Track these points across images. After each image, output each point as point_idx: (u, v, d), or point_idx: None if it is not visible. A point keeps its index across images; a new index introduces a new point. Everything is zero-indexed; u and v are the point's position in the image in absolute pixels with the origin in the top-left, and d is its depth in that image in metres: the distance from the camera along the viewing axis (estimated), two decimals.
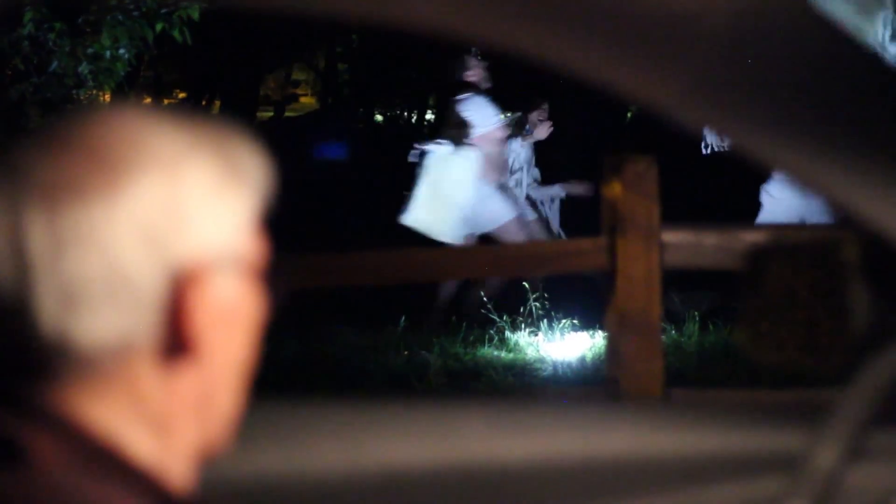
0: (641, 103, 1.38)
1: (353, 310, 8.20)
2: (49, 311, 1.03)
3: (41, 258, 1.03)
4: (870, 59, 1.45)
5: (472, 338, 7.53)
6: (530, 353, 7.34)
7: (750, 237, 3.81)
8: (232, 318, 1.12)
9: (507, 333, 7.59)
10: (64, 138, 1.08)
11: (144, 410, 1.09)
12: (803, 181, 1.44)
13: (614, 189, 4.07)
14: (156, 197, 1.06)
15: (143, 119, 1.11)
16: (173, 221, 1.07)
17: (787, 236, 1.44)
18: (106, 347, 1.05)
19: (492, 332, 7.59)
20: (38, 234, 1.03)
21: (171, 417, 1.11)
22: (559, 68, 1.34)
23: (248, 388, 1.20)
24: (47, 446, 1.03)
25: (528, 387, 6.60)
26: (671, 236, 4.04)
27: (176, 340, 1.08)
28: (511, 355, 7.27)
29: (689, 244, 4.02)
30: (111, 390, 1.07)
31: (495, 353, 7.31)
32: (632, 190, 4.05)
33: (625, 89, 1.39)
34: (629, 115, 10.38)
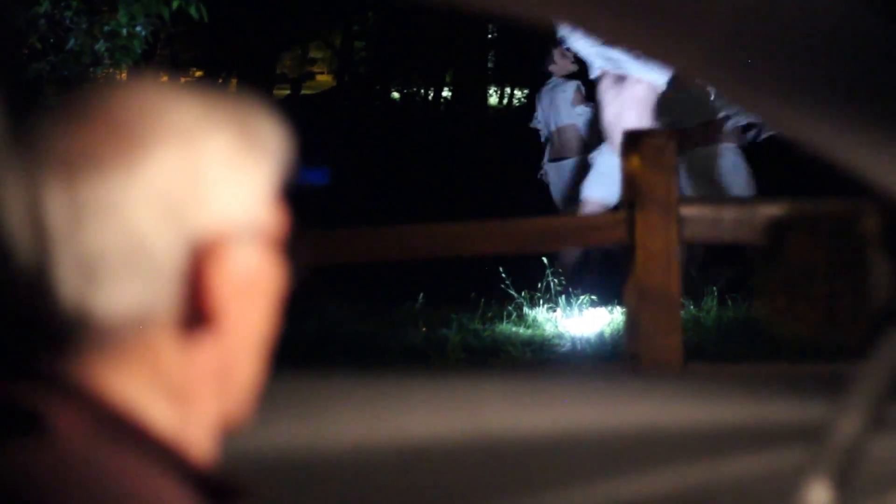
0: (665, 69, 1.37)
1: (370, 286, 8.21)
2: (69, 282, 1.03)
3: (60, 230, 1.03)
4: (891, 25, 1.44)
5: (490, 314, 7.52)
6: (549, 328, 7.33)
7: (769, 210, 3.80)
8: (251, 289, 1.12)
9: (526, 309, 7.58)
10: (83, 111, 1.08)
11: (164, 381, 1.09)
12: (824, 150, 1.43)
13: (633, 163, 4.07)
14: (175, 168, 1.06)
15: (162, 91, 1.11)
16: (192, 192, 1.07)
17: (807, 209, 1.43)
18: (125, 318, 1.05)
19: (510, 308, 7.58)
20: (57, 207, 1.03)
21: (190, 388, 1.11)
22: (583, 33, 1.33)
23: (268, 361, 1.20)
24: (68, 417, 1.03)
25: (546, 362, 6.60)
26: (690, 210, 4.03)
27: (195, 311, 1.08)
28: (529, 331, 7.26)
29: (707, 218, 4.01)
30: (131, 361, 1.07)
31: (514, 329, 7.30)
32: (651, 164, 4.04)
33: (648, 56, 1.38)
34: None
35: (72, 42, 7.09)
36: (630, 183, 4.10)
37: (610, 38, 1.38)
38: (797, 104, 1.40)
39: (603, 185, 8.41)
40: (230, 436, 1.19)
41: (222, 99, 1.14)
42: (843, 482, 1.27)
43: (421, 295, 7.77)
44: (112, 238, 1.03)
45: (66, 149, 1.05)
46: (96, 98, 1.09)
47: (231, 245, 1.09)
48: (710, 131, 8.60)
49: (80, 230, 1.03)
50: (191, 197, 1.06)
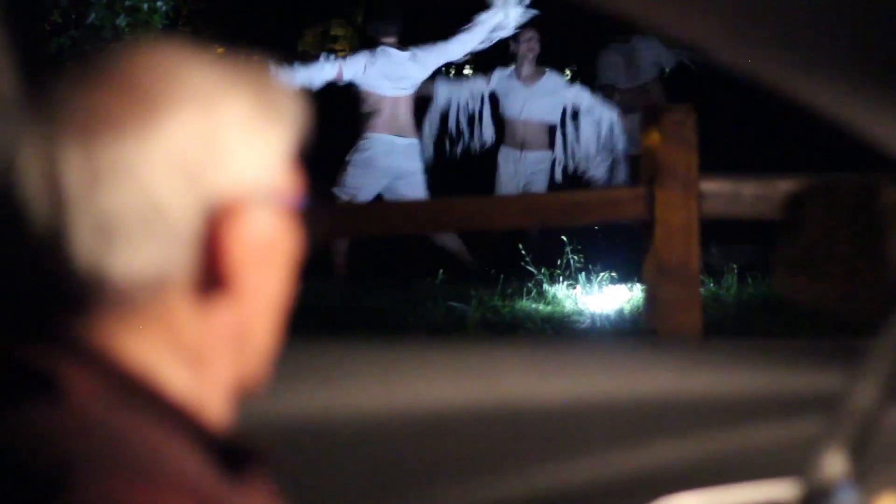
0: (680, 41, 1.37)
1: (389, 262, 8.21)
2: (85, 245, 1.03)
3: (77, 192, 1.03)
4: None
5: (510, 290, 7.52)
6: (568, 305, 7.33)
7: (788, 185, 3.79)
8: (267, 253, 1.12)
9: (546, 286, 7.58)
10: (100, 74, 1.07)
11: (180, 345, 1.09)
12: (843, 122, 1.42)
13: (653, 138, 4.05)
14: (192, 131, 1.06)
15: (179, 55, 1.11)
16: (209, 156, 1.07)
17: (827, 183, 1.42)
18: (141, 281, 1.05)
19: (530, 284, 7.58)
20: (74, 168, 1.03)
21: (206, 352, 1.11)
22: (602, 7, 1.33)
23: (284, 326, 1.20)
24: (83, 380, 1.03)
25: (566, 339, 6.60)
26: (710, 185, 4.02)
27: (211, 275, 1.08)
28: (549, 308, 7.26)
29: (727, 193, 4.00)
30: (147, 324, 1.07)
31: (533, 305, 7.30)
32: (670, 139, 4.03)
33: (663, 27, 1.38)
34: (667, 70, 10.31)
35: (92, 16, 7.09)
36: (650, 158, 4.08)
37: (623, 10, 1.37)
38: (818, 74, 1.39)
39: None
40: (246, 400, 1.19)
41: (239, 64, 1.14)
42: (859, 452, 1.27)
43: (441, 271, 7.78)
44: (129, 200, 1.03)
45: (84, 111, 1.05)
46: (113, 61, 1.09)
47: (247, 209, 1.09)
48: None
49: (96, 192, 1.03)
50: (208, 160, 1.06)
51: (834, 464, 1.28)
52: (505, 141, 8.97)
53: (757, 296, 7.14)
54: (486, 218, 4.29)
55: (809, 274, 1.49)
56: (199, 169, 1.06)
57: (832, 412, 1.35)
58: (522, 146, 8.87)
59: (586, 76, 10.06)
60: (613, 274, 7.70)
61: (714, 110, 8.72)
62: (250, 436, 1.13)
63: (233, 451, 1.10)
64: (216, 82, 1.10)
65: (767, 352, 1.93)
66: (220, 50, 1.15)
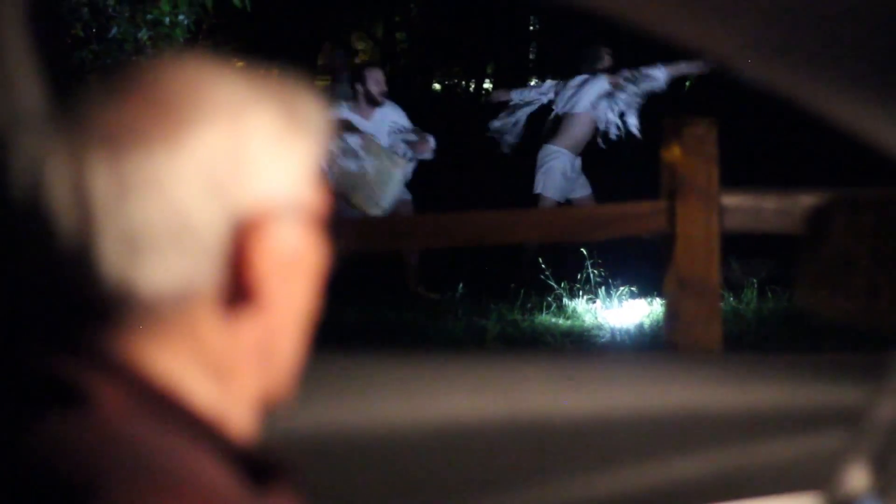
0: (703, 57, 1.37)
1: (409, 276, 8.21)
2: (112, 257, 1.04)
3: (105, 205, 1.03)
4: None
5: (529, 304, 7.52)
6: (588, 319, 7.33)
7: (810, 200, 3.78)
8: (293, 266, 1.13)
9: (565, 300, 7.58)
10: (128, 87, 1.08)
11: (206, 357, 1.10)
12: (867, 138, 1.42)
13: (674, 152, 4.05)
14: (218, 144, 1.06)
15: (206, 68, 1.12)
16: (236, 169, 1.07)
17: (848, 197, 1.42)
18: (168, 294, 1.06)
19: (550, 298, 7.58)
20: (101, 182, 1.03)
21: (232, 365, 1.11)
22: (624, 22, 1.33)
23: (309, 339, 1.20)
24: (110, 392, 1.04)
25: (586, 353, 6.59)
26: (731, 199, 4.01)
27: (237, 288, 1.08)
28: (569, 322, 7.26)
29: (748, 207, 3.99)
30: (173, 337, 1.08)
31: (553, 319, 7.30)
32: (691, 153, 4.02)
33: (686, 42, 1.38)
34: (688, 83, 10.30)
35: (114, 30, 7.10)
36: (670, 172, 4.08)
37: (649, 22, 1.37)
38: (837, 90, 1.39)
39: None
40: (271, 414, 1.20)
41: (266, 78, 1.15)
42: (882, 466, 1.26)
43: (461, 285, 7.78)
44: (156, 214, 1.04)
45: (111, 125, 1.05)
46: (141, 75, 1.10)
47: (273, 222, 1.09)
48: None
49: (124, 205, 1.03)
50: (234, 173, 1.07)
51: (856, 478, 1.28)
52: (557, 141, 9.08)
53: (777, 310, 7.12)
54: (505, 231, 4.28)
55: (831, 288, 1.49)
56: (226, 182, 1.06)
57: (854, 426, 1.35)
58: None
59: None
60: (633, 288, 7.69)
61: (735, 124, 8.69)
62: (274, 449, 1.13)
63: (257, 463, 1.10)
64: (243, 96, 1.10)
65: (788, 366, 1.93)
66: (240, 64, 1.15)
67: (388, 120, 8.60)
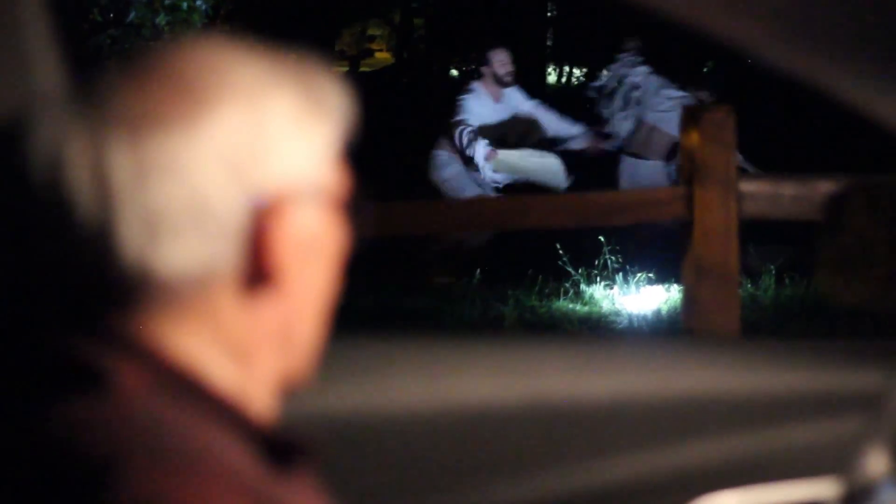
0: (726, 42, 1.37)
1: (426, 262, 8.21)
2: (132, 239, 1.04)
3: (124, 187, 1.03)
4: None
5: (547, 290, 7.51)
6: (606, 305, 7.32)
7: (828, 186, 3.78)
8: (313, 248, 1.13)
9: (583, 286, 7.57)
10: (147, 70, 1.08)
11: (226, 339, 1.10)
12: (887, 123, 1.42)
13: (693, 139, 4.05)
14: (238, 127, 1.07)
15: (225, 51, 1.12)
16: (255, 151, 1.07)
17: (866, 183, 1.42)
18: (188, 276, 1.06)
19: (567, 285, 7.57)
20: (121, 164, 1.04)
21: (251, 347, 1.12)
22: (644, 8, 1.33)
23: (328, 322, 1.20)
24: (130, 374, 1.04)
25: (603, 338, 6.58)
26: (749, 186, 4.01)
27: (257, 270, 1.08)
28: (586, 308, 7.25)
29: (767, 194, 3.99)
30: (193, 319, 1.08)
31: (570, 306, 7.29)
32: (710, 139, 4.02)
33: (708, 27, 1.38)
34: (706, 69, 10.30)
35: (132, 15, 7.11)
36: (689, 158, 4.08)
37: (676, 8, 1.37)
38: (858, 75, 1.39)
39: None
40: (290, 396, 1.20)
41: (285, 60, 1.15)
42: None
43: (478, 271, 7.77)
44: (175, 196, 1.04)
45: (131, 107, 1.05)
46: (160, 57, 1.10)
47: (293, 204, 1.09)
48: None
49: (143, 188, 1.03)
50: (254, 155, 1.07)
51: (875, 463, 1.27)
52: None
53: (795, 296, 7.10)
54: (529, 217, 4.29)
55: (849, 274, 1.49)
56: (245, 164, 1.06)
57: (873, 412, 1.35)
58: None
59: None
60: (651, 274, 7.68)
61: (754, 110, 8.68)
62: (294, 431, 1.13)
63: (278, 445, 1.10)
64: (263, 78, 1.10)
65: (806, 352, 1.93)
66: (259, 47, 1.15)
67: (514, 100, 8.68)
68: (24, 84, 1.43)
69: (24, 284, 1.10)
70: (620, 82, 9.27)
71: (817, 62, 1.40)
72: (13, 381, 1.06)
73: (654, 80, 9.09)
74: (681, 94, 8.85)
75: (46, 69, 1.46)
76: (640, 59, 9.23)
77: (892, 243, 1.46)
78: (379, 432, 1.72)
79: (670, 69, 9.12)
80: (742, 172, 4.22)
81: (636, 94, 9.15)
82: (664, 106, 8.87)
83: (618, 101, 9.20)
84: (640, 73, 9.20)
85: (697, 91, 8.81)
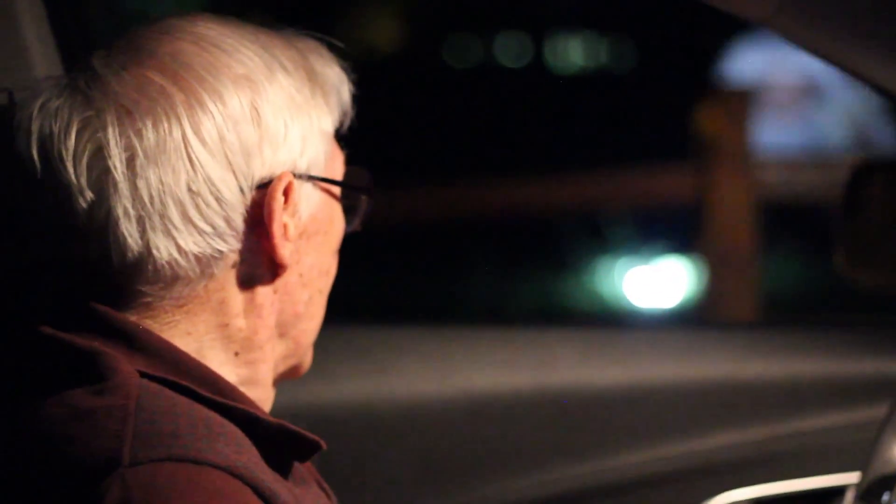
0: (737, 17, 1.36)
1: (438, 245, 8.21)
2: (132, 228, 1.03)
3: (123, 174, 1.02)
4: None
5: (560, 276, 7.51)
6: (621, 291, 7.31)
7: (845, 165, 3.77)
8: (314, 234, 1.13)
9: (597, 271, 7.56)
10: (146, 54, 1.07)
11: (227, 328, 1.09)
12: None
13: (708, 121, 4.06)
14: (239, 111, 1.06)
15: (226, 34, 1.11)
16: (255, 136, 1.07)
17: (887, 163, 1.42)
18: (188, 264, 1.05)
19: (581, 269, 7.56)
20: (120, 150, 1.03)
21: (253, 336, 1.11)
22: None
23: (331, 310, 1.20)
24: (131, 364, 1.03)
25: (618, 325, 6.60)
26: (766, 168, 4.03)
27: (258, 255, 1.08)
28: (601, 294, 7.24)
29: (786, 175, 4.01)
30: (194, 308, 1.08)
31: (584, 290, 7.29)
32: (726, 123, 4.03)
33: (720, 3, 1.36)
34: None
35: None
36: (707, 141, 4.09)
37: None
38: (870, 50, 1.38)
39: None
40: (294, 385, 1.20)
41: (286, 44, 1.14)
42: None
43: (487, 255, 7.77)
44: (175, 181, 1.03)
45: (131, 92, 1.04)
46: (160, 42, 1.09)
47: (294, 189, 1.09)
48: None
49: (143, 174, 1.03)
50: (255, 140, 1.06)
51: None
52: None
53: (814, 280, 7.09)
54: (543, 198, 4.29)
55: (870, 256, 1.48)
56: (246, 149, 1.06)
57: (895, 398, 1.33)
58: None
59: None
60: (668, 259, 7.67)
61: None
62: (297, 421, 1.12)
63: (280, 435, 1.08)
64: (264, 62, 1.10)
65: (826, 337, 1.91)
66: (259, 32, 1.14)
67: None
68: (22, 71, 1.41)
69: (24, 275, 1.11)
70: None
71: (837, 38, 1.39)
72: (12, 375, 1.06)
73: None
74: None
75: (44, 56, 1.45)
76: None
77: None
78: (385, 422, 1.73)
79: None
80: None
81: None
82: None
83: None
84: None
85: None
